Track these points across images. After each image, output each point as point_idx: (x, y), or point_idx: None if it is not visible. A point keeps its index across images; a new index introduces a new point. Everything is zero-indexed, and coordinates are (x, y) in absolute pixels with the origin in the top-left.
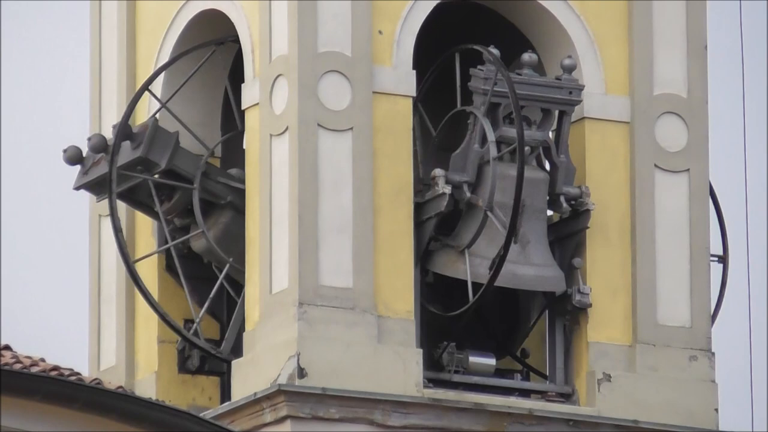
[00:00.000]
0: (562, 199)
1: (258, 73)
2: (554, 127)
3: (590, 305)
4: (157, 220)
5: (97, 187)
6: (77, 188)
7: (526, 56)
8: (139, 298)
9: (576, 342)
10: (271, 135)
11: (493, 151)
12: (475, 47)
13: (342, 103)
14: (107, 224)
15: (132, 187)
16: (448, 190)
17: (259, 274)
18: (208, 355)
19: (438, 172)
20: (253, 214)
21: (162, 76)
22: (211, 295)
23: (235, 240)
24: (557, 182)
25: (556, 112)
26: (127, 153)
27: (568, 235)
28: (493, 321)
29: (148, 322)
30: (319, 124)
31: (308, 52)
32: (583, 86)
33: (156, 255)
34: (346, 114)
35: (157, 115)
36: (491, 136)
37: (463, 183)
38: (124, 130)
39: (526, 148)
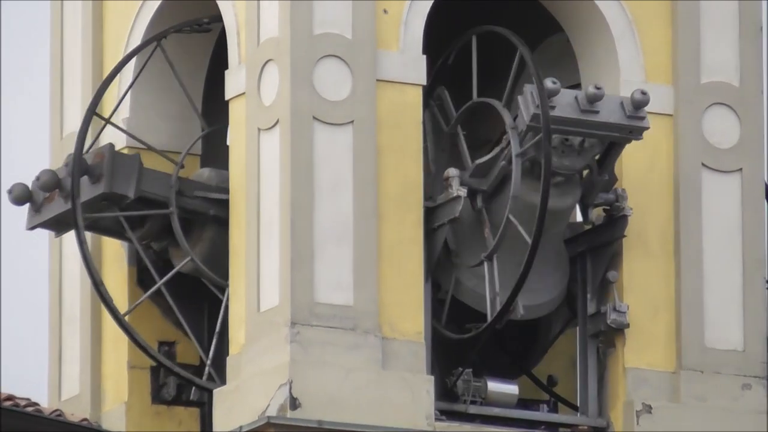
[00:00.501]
0: (590, 210)
1: (244, 58)
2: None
3: (627, 325)
4: (130, 242)
5: (55, 225)
6: (31, 228)
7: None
8: (107, 318)
9: (611, 368)
10: (259, 129)
11: (516, 181)
12: (512, 37)
13: (341, 92)
14: (69, 236)
15: (97, 218)
16: (463, 192)
17: (246, 289)
18: (185, 382)
19: (452, 171)
20: (238, 220)
21: (132, 63)
22: (162, 282)
23: (224, 256)
24: (591, 195)
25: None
26: (87, 188)
27: (601, 244)
28: (511, 339)
29: (116, 344)
30: (314, 117)
31: (302, 33)
32: (648, 127)
33: (126, 267)
34: (345, 105)
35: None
36: (516, 187)
37: (479, 192)
38: (79, 166)
39: (559, 179)
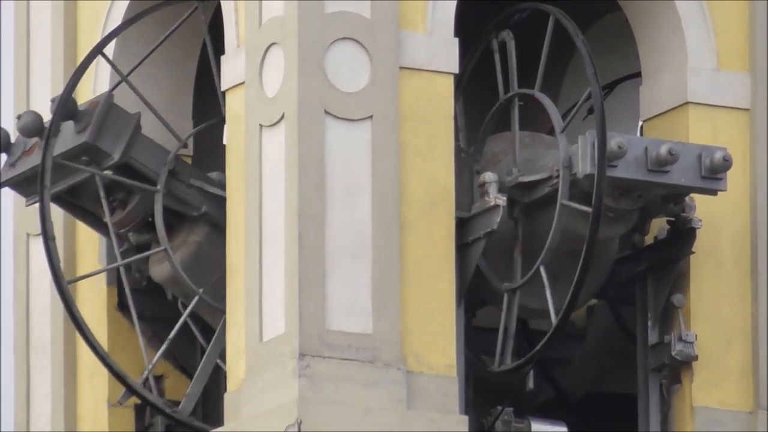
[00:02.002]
0: (649, 221)
1: (244, 41)
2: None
3: (696, 358)
4: (106, 235)
5: (25, 183)
6: (1, 185)
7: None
8: (83, 347)
9: (677, 407)
10: (261, 125)
11: (564, 190)
12: (543, 7)
13: (358, 82)
14: (37, 247)
15: (74, 186)
16: (502, 201)
17: (245, 314)
18: (175, 423)
19: (489, 176)
20: (236, 231)
21: (113, 44)
22: (170, 336)
23: (210, 266)
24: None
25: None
26: (69, 138)
27: (665, 262)
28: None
29: (94, 378)
30: (326, 111)
31: (312, 12)
32: (724, 190)
33: (105, 290)
34: (363, 97)
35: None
36: (555, 239)
37: (518, 203)
38: (66, 106)
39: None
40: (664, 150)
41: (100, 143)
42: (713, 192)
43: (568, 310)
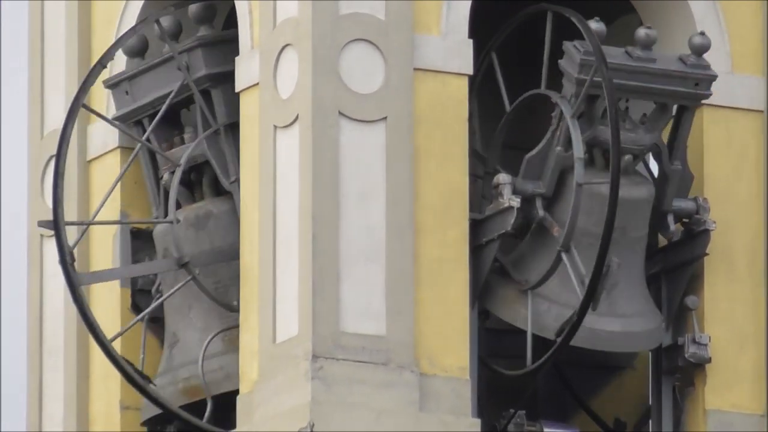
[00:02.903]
0: (670, 218)
1: (257, 42)
2: (669, 124)
3: (709, 360)
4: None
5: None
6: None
7: (642, 32)
8: (95, 349)
9: (690, 410)
10: (275, 127)
11: (578, 173)
12: (558, 9)
13: (372, 83)
14: (51, 248)
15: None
16: (515, 203)
17: (259, 316)
18: (188, 426)
19: (503, 178)
20: (250, 234)
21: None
22: (150, 308)
23: (210, 237)
24: (666, 197)
25: (675, 106)
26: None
27: (679, 264)
28: (572, 375)
29: (107, 381)
30: (340, 113)
31: (326, 13)
32: (716, 76)
33: (119, 292)
34: (377, 98)
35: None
36: (578, 149)
37: (537, 196)
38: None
39: (627, 156)
40: (642, 30)
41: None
42: (707, 84)
43: (587, 298)
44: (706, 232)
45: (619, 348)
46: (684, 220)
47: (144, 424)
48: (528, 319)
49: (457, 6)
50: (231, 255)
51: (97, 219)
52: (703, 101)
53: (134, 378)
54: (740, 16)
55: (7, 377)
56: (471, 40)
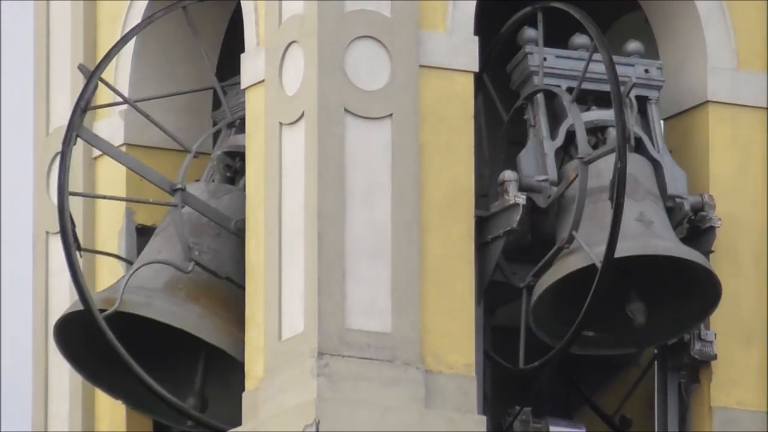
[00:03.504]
0: (678, 202)
1: (263, 39)
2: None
3: (715, 357)
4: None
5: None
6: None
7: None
8: None
9: (695, 407)
10: (281, 124)
11: (583, 147)
12: (557, 5)
13: (378, 80)
14: (56, 245)
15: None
16: (521, 200)
17: (264, 313)
18: (191, 421)
19: (508, 175)
20: (255, 232)
21: (131, 44)
22: (137, 264)
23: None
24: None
25: (634, 100)
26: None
27: None
28: (578, 372)
29: None
30: (346, 110)
31: (332, 10)
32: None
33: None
34: (383, 95)
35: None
36: (581, 133)
37: (542, 182)
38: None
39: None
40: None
41: None
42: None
43: (599, 286)
44: (712, 229)
45: (679, 253)
46: (690, 216)
47: (154, 423)
48: (522, 319)
49: (463, 3)
50: (226, 223)
51: (100, 217)
52: (708, 98)
53: (139, 375)
54: (746, 15)
55: (13, 375)
56: (477, 38)
